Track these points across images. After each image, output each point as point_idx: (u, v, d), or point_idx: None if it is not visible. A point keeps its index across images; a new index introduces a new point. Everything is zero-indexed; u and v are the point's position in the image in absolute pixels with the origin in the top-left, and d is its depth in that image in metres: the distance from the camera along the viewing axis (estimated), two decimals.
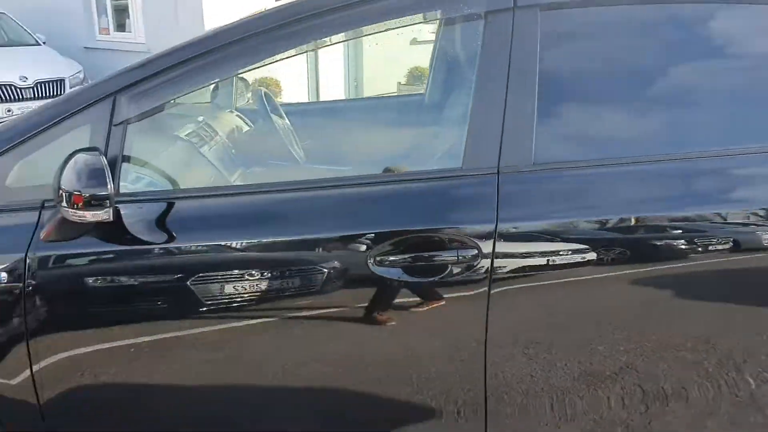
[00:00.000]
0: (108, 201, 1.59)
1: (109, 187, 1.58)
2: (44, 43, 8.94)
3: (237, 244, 1.71)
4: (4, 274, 1.69)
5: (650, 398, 1.76)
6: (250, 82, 3.02)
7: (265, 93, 2.86)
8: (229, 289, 1.70)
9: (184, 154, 2.30)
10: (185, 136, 2.38)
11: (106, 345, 1.74)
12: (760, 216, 1.70)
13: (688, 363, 1.74)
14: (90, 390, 1.77)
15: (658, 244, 1.69)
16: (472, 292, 1.67)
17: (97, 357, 1.74)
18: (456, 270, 1.66)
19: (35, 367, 1.73)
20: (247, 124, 2.94)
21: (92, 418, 1.84)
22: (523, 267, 1.68)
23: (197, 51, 1.77)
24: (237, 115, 3.00)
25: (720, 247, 1.70)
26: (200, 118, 2.69)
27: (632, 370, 1.73)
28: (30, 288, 1.69)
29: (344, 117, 3.24)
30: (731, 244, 1.70)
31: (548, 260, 1.68)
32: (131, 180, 1.84)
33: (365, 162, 2.30)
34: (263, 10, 1.89)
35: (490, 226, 1.65)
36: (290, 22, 1.77)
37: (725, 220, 1.72)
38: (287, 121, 2.96)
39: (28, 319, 1.70)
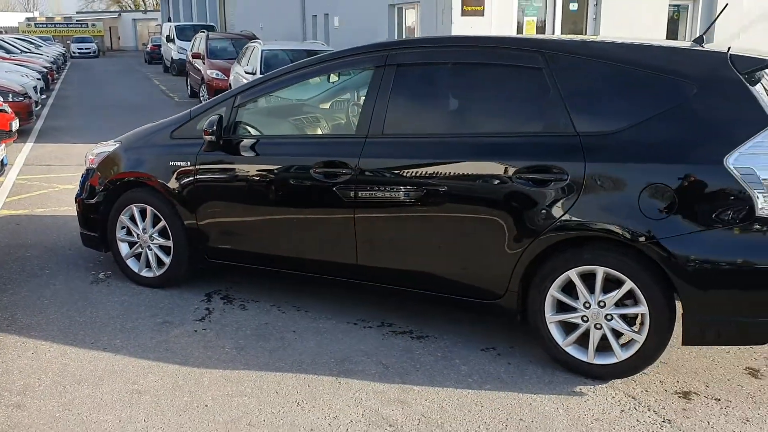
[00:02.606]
0: (214, 134, 4.12)
1: (215, 128, 4.12)
2: None
3: (281, 162, 4.13)
4: (189, 162, 4.33)
5: (429, 244, 3.73)
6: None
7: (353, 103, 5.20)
8: (275, 184, 4.10)
9: (278, 122, 4.78)
10: (292, 120, 4.85)
11: (223, 203, 4.28)
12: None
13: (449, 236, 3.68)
14: (213, 224, 4.32)
15: (426, 177, 3.67)
16: (351, 188, 3.83)
17: (217, 209, 4.29)
18: (343, 177, 3.84)
19: (199, 213, 4.33)
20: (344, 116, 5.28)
21: (215, 238, 4.40)
22: (370, 177, 3.79)
23: (259, 81, 4.27)
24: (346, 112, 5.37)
25: (461, 180, 3.62)
26: (318, 113, 5.13)
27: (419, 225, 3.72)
28: (197, 173, 4.30)
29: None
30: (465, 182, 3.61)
31: (381, 174, 3.76)
32: (243, 129, 4.35)
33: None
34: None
35: (357, 159, 3.81)
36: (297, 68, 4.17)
37: (472, 171, 3.61)
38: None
39: (197, 187, 4.32)
